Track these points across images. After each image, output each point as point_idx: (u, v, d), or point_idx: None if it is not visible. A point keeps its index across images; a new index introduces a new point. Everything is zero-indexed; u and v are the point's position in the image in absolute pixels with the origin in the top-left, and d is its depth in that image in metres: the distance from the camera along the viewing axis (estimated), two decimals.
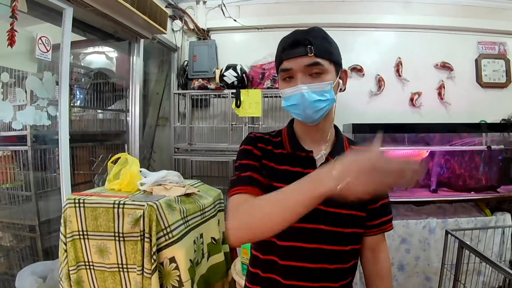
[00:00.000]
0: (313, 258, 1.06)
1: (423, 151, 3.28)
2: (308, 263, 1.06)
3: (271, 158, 1.12)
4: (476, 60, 3.72)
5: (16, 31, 1.85)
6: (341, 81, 1.11)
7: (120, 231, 1.77)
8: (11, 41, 1.84)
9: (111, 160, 2.19)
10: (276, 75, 3.40)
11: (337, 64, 1.09)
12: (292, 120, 1.21)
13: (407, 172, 0.72)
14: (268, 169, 1.10)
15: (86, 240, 1.82)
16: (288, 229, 0.95)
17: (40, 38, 2.05)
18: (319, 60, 1.02)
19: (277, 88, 3.36)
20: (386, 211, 1.17)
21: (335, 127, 1.20)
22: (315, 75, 1.04)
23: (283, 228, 0.86)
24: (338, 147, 1.14)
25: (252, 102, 3.19)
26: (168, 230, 1.79)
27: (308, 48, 1.01)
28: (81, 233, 1.82)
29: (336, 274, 1.09)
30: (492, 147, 3.24)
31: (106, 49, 3.46)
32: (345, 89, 1.14)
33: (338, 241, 1.07)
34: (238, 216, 0.93)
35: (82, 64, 3.38)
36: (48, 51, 2.10)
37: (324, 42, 1.07)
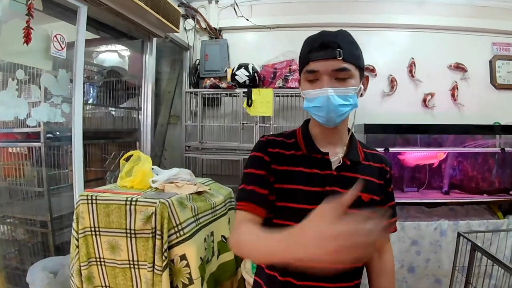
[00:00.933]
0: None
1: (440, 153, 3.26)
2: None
3: (282, 161, 1.12)
4: (490, 61, 3.67)
5: (32, 29, 1.88)
6: (362, 87, 1.12)
7: (132, 228, 1.79)
8: (27, 39, 1.86)
9: (123, 158, 2.21)
10: (288, 74, 3.40)
11: (362, 69, 1.10)
12: (307, 121, 1.22)
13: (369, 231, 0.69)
14: (280, 172, 1.11)
15: (98, 237, 1.84)
16: None
17: (55, 36, 2.07)
18: (346, 65, 1.03)
19: (289, 87, 3.35)
20: (394, 213, 1.21)
21: (349, 130, 1.21)
22: (341, 79, 1.04)
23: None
24: (353, 150, 1.16)
25: (263, 101, 3.19)
26: (180, 227, 1.80)
27: (337, 52, 1.02)
28: (93, 229, 1.84)
29: (351, 274, 1.11)
30: (506, 149, 3.19)
31: (119, 47, 3.49)
32: (364, 94, 1.15)
33: None
34: (234, 237, 1.02)
35: (95, 62, 3.41)
36: (62, 49, 2.12)
37: (352, 46, 1.07)
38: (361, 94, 1.13)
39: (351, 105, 1.07)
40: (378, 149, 1.27)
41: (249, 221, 1.07)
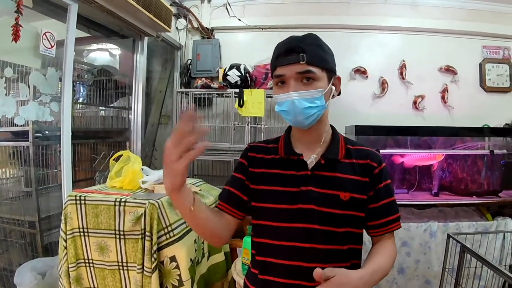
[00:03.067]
0: (309, 258, 1.08)
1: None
2: (304, 262, 1.08)
3: (261, 164, 1.20)
4: (480, 64, 3.71)
5: (21, 26, 1.85)
6: (333, 88, 1.14)
7: (121, 229, 1.77)
8: (16, 36, 1.84)
9: (113, 158, 2.19)
10: None
11: (330, 71, 1.12)
12: (290, 127, 1.26)
13: None
14: (257, 175, 1.20)
15: (87, 237, 1.82)
16: (283, 230, 1.10)
17: (44, 33, 2.05)
18: (310, 68, 1.06)
19: None
20: (391, 210, 1.18)
21: (333, 128, 1.23)
22: (306, 82, 1.08)
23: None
24: (332, 148, 1.16)
25: (255, 102, 3.18)
26: (169, 229, 1.79)
27: (300, 56, 1.06)
28: (81, 230, 1.82)
29: None
30: (495, 151, 3.23)
31: (109, 46, 3.47)
32: (339, 93, 1.18)
33: (332, 240, 1.09)
34: None
35: (86, 61, 3.38)
36: (52, 47, 2.10)
37: (318, 49, 1.10)
38: (333, 95, 1.15)
39: (319, 107, 1.09)
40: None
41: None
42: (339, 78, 1.17)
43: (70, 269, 1.81)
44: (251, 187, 1.20)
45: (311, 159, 1.14)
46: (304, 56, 1.05)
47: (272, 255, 1.13)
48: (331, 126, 1.23)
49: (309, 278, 1.04)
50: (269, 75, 3.43)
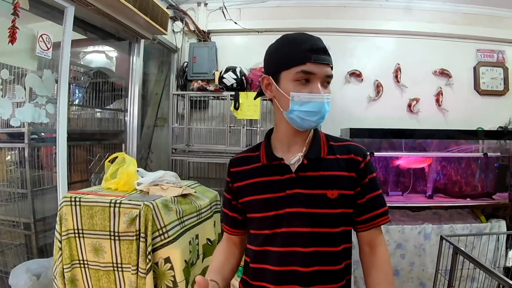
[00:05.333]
0: (304, 262, 1.06)
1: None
2: (299, 267, 1.06)
3: (244, 176, 1.18)
4: (474, 68, 3.74)
5: (18, 28, 1.86)
6: None
7: (116, 230, 1.77)
8: (12, 38, 1.85)
9: (108, 159, 2.20)
10: None
11: None
12: (269, 132, 1.23)
13: None
14: (241, 188, 1.18)
15: (82, 239, 1.82)
16: (274, 236, 1.09)
17: (41, 35, 2.05)
18: (332, 73, 1.06)
19: None
20: (378, 204, 1.15)
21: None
22: (326, 86, 1.06)
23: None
24: (314, 147, 1.13)
25: (250, 104, 3.20)
26: (164, 230, 1.80)
27: (330, 58, 1.04)
28: (76, 231, 1.82)
29: (330, 276, 1.08)
30: (489, 154, 3.25)
31: (106, 48, 3.47)
32: None
33: (327, 242, 1.08)
34: None
35: (82, 63, 3.38)
36: (48, 49, 2.10)
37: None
38: None
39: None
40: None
41: (226, 240, 1.32)
42: None
43: (65, 270, 1.81)
44: (240, 202, 1.20)
45: (294, 160, 1.10)
46: (331, 59, 1.04)
47: (265, 262, 1.11)
48: None
49: (304, 283, 1.06)
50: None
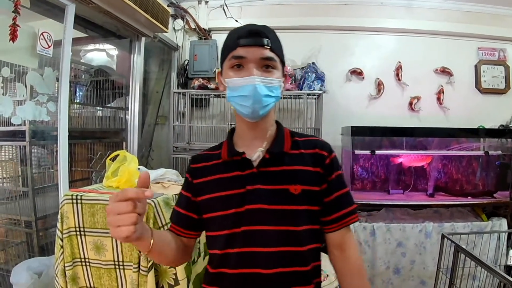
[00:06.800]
0: (266, 264, 1.01)
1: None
2: (261, 269, 1.01)
3: (204, 173, 1.12)
4: (475, 66, 3.74)
5: (18, 26, 1.86)
6: (283, 84, 1.09)
7: None
8: (13, 36, 1.84)
9: (109, 157, 2.19)
10: None
11: (283, 65, 1.09)
12: (233, 129, 1.19)
13: None
14: (201, 185, 1.11)
15: (83, 237, 1.82)
16: (233, 236, 1.02)
17: (42, 33, 2.05)
18: (273, 55, 1.02)
19: None
20: (346, 202, 1.10)
21: (278, 123, 1.17)
22: (266, 70, 1.02)
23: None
24: (278, 142, 1.10)
25: None
26: (166, 228, 1.79)
27: (265, 41, 1.00)
28: (77, 229, 1.82)
29: (296, 278, 1.04)
30: (490, 152, 3.25)
31: (107, 46, 3.46)
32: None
33: (290, 241, 1.03)
34: None
35: (83, 61, 3.38)
36: (49, 46, 2.10)
37: (278, 40, 1.06)
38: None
39: (275, 98, 1.04)
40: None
41: (175, 236, 1.17)
42: (286, 76, 1.14)
43: (66, 268, 1.81)
44: (198, 201, 1.12)
45: (256, 155, 1.07)
46: (269, 41, 1.00)
47: (225, 266, 1.05)
48: (276, 121, 1.17)
49: (268, 285, 1.01)
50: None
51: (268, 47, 1.00)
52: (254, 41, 0.99)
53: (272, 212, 1.02)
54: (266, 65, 1.01)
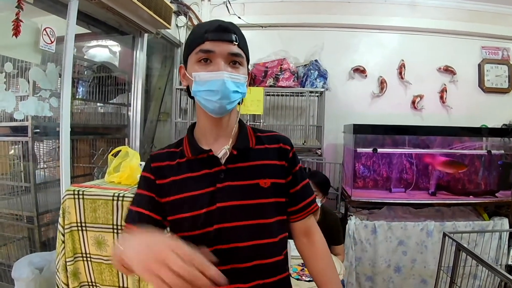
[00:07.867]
0: (242, 258, 1.02)
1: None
2: (237, 263, 1.02)
3: (168, 173, 1.07)
4: (479, 65, 3.73)
5: (22, 22, 1.86)
6: (247, 82, 1.09)
7: (119, 223, 1.78)
8: (16, 31, 1.85)
9: (111, 153, 2.20)
10: (279, 73, 3.40)
11: (248, 63, 1.10)
12: (192, 126, 1.17)
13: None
14: (166, 186, 1.06)
15: (84, 232, 1.83)
16: (204, 236, 1.00)
17: (45, 29, 2.05)
18: (241, 52, 1.02)
19: (280, 86, 3.35)
20: (309, 192, 1.17)
21: (239, 120, 1.17)
22: (233, 66, 1.02)
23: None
24: (242, 138, 1.10)
25: (254, 99, 3.19)
26: None
27: (234, 36, 1.00)
28: (79, 224, 1.82)
29: (272, 269, 1.07)
30: (492, 152, 3.25)
31: (109, 42, 3.46)
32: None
33: (264, 234, 1.05)
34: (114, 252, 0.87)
35: (86, 57, 3.38)
36: (52, 42, 2.10)
37: (244, 37, 1.06)
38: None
39: (241, 94, 1.04)
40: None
41: None
42: (250, 74, 1.15)
43: (68, 264, 1.82)
44: (163, 202, 1.06)
45: (222, 152, 1.06)
46: (237, 37, 1.00)
47: None
48: (239, 119, 1.17)
49: (246, 280, 1.02)
50: (268, 73, 3.43)
51: (236, 43, 1.00)
52: (222, 36, 0.99)
53: (244, 208, 1.03)
54: (233, 61, 1.01)
